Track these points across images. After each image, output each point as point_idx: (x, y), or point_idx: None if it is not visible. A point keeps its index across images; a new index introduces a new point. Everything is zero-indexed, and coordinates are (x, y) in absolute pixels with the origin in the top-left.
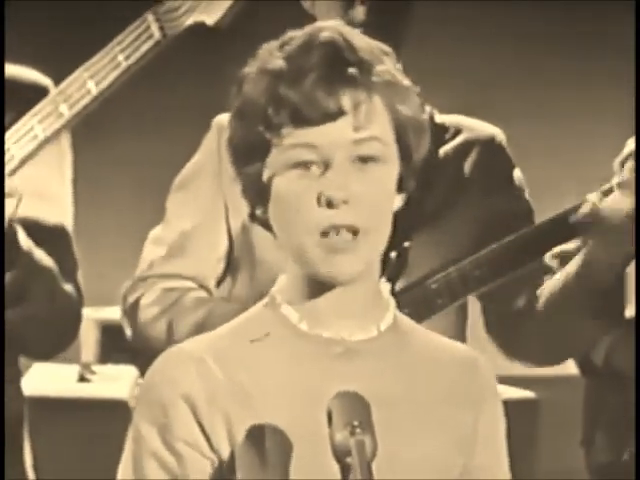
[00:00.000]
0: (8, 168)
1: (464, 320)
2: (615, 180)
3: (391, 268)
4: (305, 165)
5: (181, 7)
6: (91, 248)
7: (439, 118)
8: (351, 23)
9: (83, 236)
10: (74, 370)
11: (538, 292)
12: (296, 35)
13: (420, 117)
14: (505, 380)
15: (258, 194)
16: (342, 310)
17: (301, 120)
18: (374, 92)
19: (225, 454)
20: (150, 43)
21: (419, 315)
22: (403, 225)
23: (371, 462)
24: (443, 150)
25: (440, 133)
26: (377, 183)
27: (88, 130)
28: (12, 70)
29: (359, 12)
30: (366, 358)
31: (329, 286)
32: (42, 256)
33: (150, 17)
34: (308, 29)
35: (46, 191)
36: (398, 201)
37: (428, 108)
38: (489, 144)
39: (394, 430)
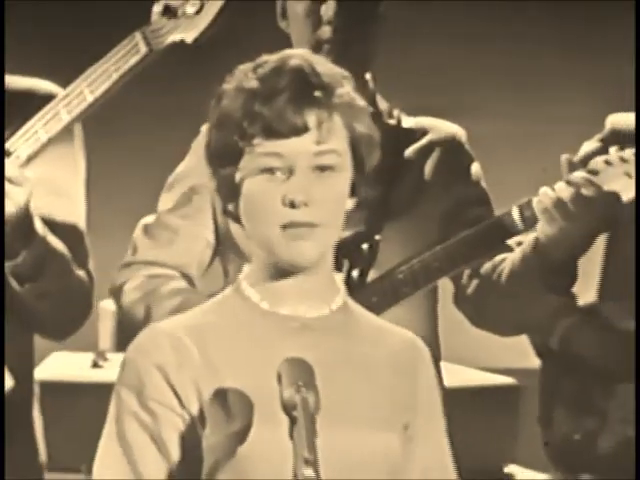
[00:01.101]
0: (16, 164)
1: (435, 303)
2: (565, 177)
3: (363, 259)
4: (272, 171)
5: (164, 27)
6: (106, 243)
7: (406, 121)
8: (319, 40)
9: (98, 232)
10: (89, 358)
11: (499, 268)
12: (269, 59)
13: (372, 133)
14: (491, 370)
15: (230, 193)
16: (299, 292)
17: (271, 133)
18: (335, 112)
19: (194, 411)
20: (137, 57)
21: (387, 302)
22: (374, 220)
23: (315, 415)
24: (409, 150)
25: (407, 134)
26: (333, 189)
27: (100, 132)
28: (29, 82)
29: (325, 31)
30: (318, 332)
31: (288, 272)
32: (56, 242)
33: (138, 35)
34: (279, 55)
35: (60, 189)
36: (350, 204)
37: (396, 112)
38: (450, 142)
39: (338, 391)
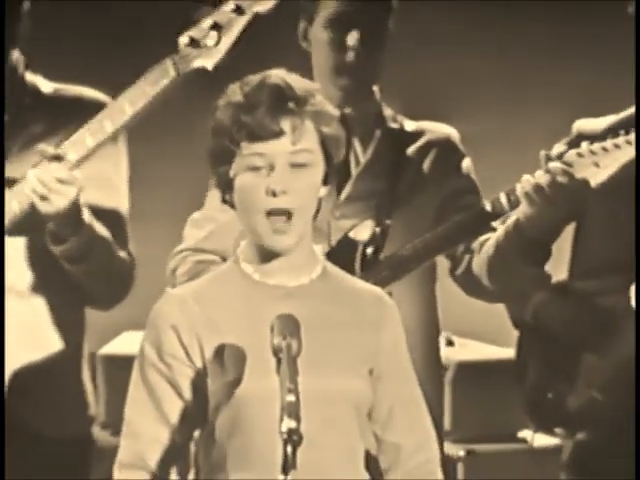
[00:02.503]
0: (67, 167)
1: (434, 278)
2: (544, 167)
3: (376, 240)
4: (257, 168)
5: (189, 55)
6: (149, 227)
7: (407, 124)
8: (343, 63)
9: (141, 219)
10: None
11: (487, 244)
12: (253, 79)
13: (339, 134)
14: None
15: (226, 186)
16: (283, 266)
17: (254, 137)
18: (306, 118)
19: (199, 364)
20: (167, 79)
21: (395, 275)
22: (383, 208)
23: (296, 358)
24: (410, 150)
25: (407, 136)
26: (306, 180)
27: (144, 134)
28: (77, 90)
29: (349, 57)
30: (300, 298)
31: (271, 255)
32: (100, 228)
33: (168, 61)
34: (261, 75)
35: (106, 183)
36: (324, 191)
37: (399, 117)
38: (445, 141)
39: (315, 345)
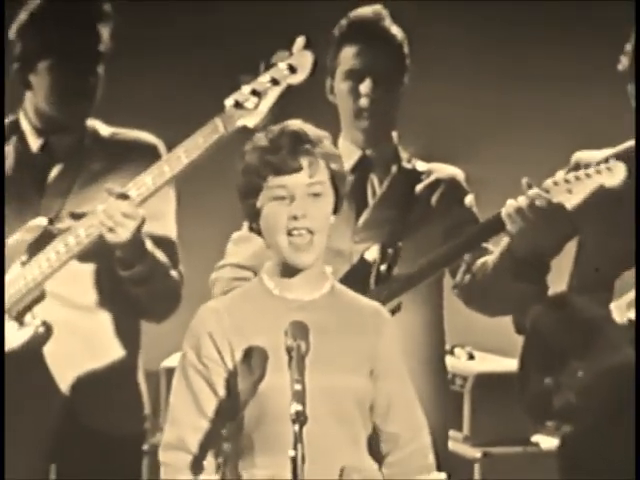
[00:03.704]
0: (133, 204)
1: (441, 292)
2: (528, 194)
3: (389, 258)
4: (280, 198)
5: (234, 115)
6: (195, 251)
7: (419, 165)
8: (360, 109)
9: (188, 243)
10: None
11: (481, 262)
12: (274, 128)
13: (343, 171)
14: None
15: (254, 215)
16: (299, 283)
17: (278, 173)
18: (319, 157)
19: (230, 366)
20: (217, 135)
21: (404, 287)
22: (395, 233)
23: (304, 356)
24: (420, 186)
25: (418, 175)
26: (321, 207)
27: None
28: (136, 133)
29: (363, 102)
30: (311, 310)
31: (293, 269)
32: (160, 254)
33: (217, 120)
34: (281, 125)
35: (160, 216)
36: (332, 219)
37: (413, 159)
38: (451, 181)
39: (323, 348)
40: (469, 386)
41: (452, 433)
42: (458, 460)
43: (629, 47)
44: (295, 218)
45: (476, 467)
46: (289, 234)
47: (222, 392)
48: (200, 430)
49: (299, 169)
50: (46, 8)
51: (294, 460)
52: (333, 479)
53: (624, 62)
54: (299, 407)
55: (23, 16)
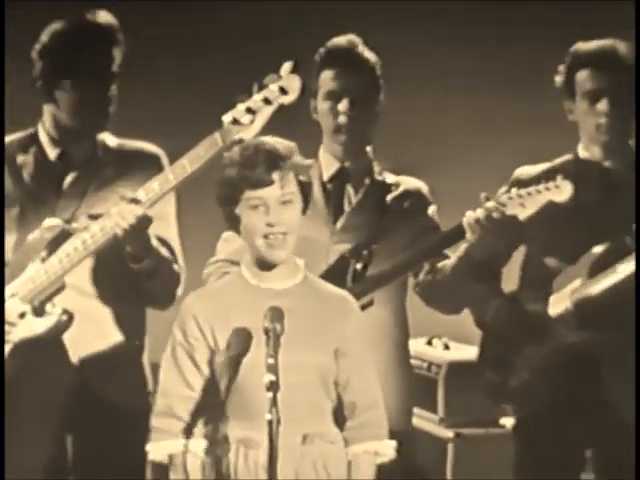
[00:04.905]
0: (143, 208)
1: (405, 290)
2: (485, 206)
3: (364, 259)
4: (256, 207)
5: (232, 130)
6: (193, 247)
7: (388, 177)
8: (338, 125)
9: (187, 241)
10: None
11: (440, 265)
12: (249, 144)
13: (310, 180)
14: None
15: (233, 220)
16: (274, 274)
17: (253, 186)
18: (289, 170)
19: (212, 344)
20: (217, 148)
21: (376, 284)
22: (369, 237)
23: (280, 336)
24: (389, 196)
25: (389, 186)
26: (292, 213)
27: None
28: (140, 144)
29: (341, 119)
30: (285, 297)
31: (268, 264)
32: (164, 250)
33: (217, 134)
34: (255, 141)
35: (164, 218)
36: (301, 221)
37: (384, 172)
38: (417, 192)
39: (294, 329)
40: (443, 373)
41: (428, 415)
42: (433, 439)
43: (562, 68)
44: (271, 225)
45: (449, 446)
46: (265, 237)
47: (205, 368)
48: (186, 399)
49: (272, 183)
50: (66, 33)
51: (270, 423)
52: (297, 443)
53: (558, 80)
54: (272, 377)
55: (45, 38)
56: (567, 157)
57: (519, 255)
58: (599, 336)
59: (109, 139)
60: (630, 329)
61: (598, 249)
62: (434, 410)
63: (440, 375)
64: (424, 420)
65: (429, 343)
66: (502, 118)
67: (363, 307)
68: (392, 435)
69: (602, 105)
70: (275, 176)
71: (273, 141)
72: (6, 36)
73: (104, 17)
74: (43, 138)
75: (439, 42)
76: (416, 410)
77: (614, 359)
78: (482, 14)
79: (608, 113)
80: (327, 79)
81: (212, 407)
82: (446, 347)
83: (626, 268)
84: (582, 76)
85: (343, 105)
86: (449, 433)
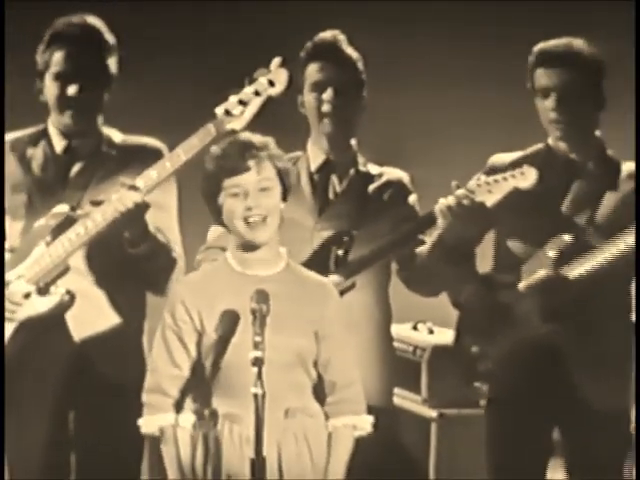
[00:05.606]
0: (141, 194)
1: (388, 275)
2: (456, 193)
3: (345, 245)
4: (236, 194)
5: (224, 121)
6: (191, 233)
7: (372, 168)
8: (322, 114)
9: (187, 228)
10: None
11: (418, 250)
12: (226, 140)
13: (287, 166)
14: None
15: (217, 211)
16: (258, 261)
17: (230, 173)
18: (265, 159)
19: (199, 327)
20: (210, 137)
21: (358, 269)
22: (351, 223)
23: (265, 317)
24: (372, 186)
25: (372, 177)
26: (270, 198)
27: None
28: (143, 139)
29: (325, 108)
30: (268, 283)
31: (252, 247)
32: (161, 237)
33: (210, 125)
34: (231, 137)
35: (163, 206)
36: (282, 205)
37: (368, 163)
38: (399, 182)
39: (277, 313)
40: (427, 356)
41: (412, 396)
42: (417, 419)
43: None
44: (249, 209)
45: (433, 425)
46: (245, 220)
47: (193, 349)
48: (174, 378)
49: (248, 169)
50: (66, 33)
51: (256, 396)
52: (280, 417)
53: (529, 83)
54: (258, 354)
55: (45, 38)
56: (539, 146)
57: (490, 239)
58: (564, 326)
59: (115, 135)
60: (595, 318)
61: (564, 238)
62: (418, 391)
63: (424, 358)
64: (409, 401)
65: (414, 328)
66: (484, 111)
67: (344, 291)
68: (373, 412)
69: (549, 102)
70: (251, 163)
71: (248, 135)
72: (6, 36)
73: (97, 20)
74: (52, 131)
75: (423, 37)
76: (401, 391)
77: (578, 347)
78: (465, 14)
79: (555, 109)
80: (313, 72)
81: (200, 385)
82: (430, 332)
83: (589, 262)
84: (537, 74)
85: (327, 94)
86: (433, 413)
